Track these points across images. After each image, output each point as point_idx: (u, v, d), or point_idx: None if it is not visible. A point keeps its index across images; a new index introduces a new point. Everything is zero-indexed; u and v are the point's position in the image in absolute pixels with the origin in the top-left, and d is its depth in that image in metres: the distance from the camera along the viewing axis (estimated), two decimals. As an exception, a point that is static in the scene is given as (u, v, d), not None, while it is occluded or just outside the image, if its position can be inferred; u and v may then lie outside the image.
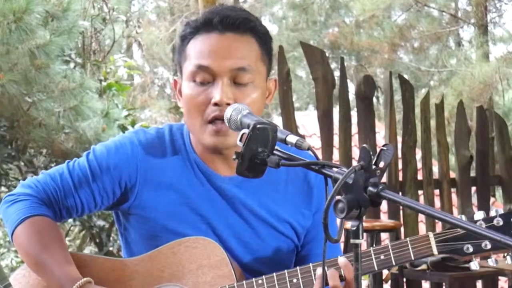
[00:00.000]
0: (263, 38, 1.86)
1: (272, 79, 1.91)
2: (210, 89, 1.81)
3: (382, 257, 1.78)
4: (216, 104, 1.79)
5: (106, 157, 1.87)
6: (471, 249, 1.76)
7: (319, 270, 1.77)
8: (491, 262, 1.77)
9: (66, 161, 1.91)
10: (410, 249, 1.77)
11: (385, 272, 5.08)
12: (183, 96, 1.86)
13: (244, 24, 1.83)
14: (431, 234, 1.78)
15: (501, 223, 1.75)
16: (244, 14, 1.85)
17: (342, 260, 1.77)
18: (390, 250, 1.78)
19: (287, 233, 1.92)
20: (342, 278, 1.77)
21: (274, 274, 1.80)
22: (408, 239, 1.79)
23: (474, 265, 1.78)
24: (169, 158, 1.89)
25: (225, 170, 1.88)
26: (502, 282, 6.34)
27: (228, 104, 1.76)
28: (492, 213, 1.77)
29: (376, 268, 1.79)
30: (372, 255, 1.78)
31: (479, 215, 1.77)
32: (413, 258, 1.78)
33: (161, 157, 1.88)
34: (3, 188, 4.83)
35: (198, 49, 1.83)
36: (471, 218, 1.79)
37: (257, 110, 1.80)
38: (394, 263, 1.78)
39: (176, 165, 1.88)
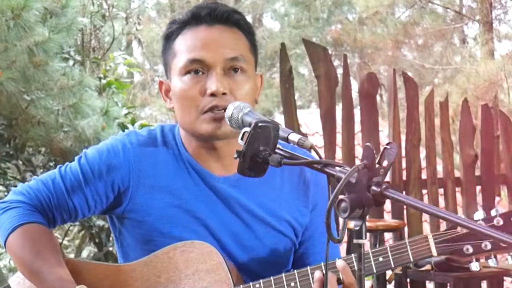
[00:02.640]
0: (249, 32, 1.87)
1: (259, 74, 1.90)
2: (204, 80, 1.79)
3: (380, 259, 1.76)
4: (212, 95, 1.76)
5: (98, 161, 1.85)
6: (471, 250, 1.75)
7: (317, 274, 1.74)
8: (491, 262, 1.76)
9: (58, 166, 1.89)
10: (409, 250, 1.76)
11: (389, 273, 5.04)
12: (175, 91, 1.83)
13: (232, 17, 1.84)
14: (430, 235, 1.77)
15: (501, 222, 1.74)
16: (230, 8, 1.87)
17: (340, 263, 1.75)
18: (389, 252, 1.76)
19: (286, 232, 1.89)
20: (340, 282, 1.75)
21: (272, 278, 1.77)
22: (407, 240, 1.77)
23: (475, 266, 1.77)
24: (162, 159, 1.85)
25: (219, 170, 1.85)
26: (508, 283, 6.29)
27: (224, 94, 1.76)
28: (492, 213, 1.76)
29: (374, 270, 1.77)
30: (371, 257, 1.76)
31: (478, 215, 1.76)
32: (412, 260, 1.76)
33: (154, 159, 1.85)
34: (1, 187, 4.79)
35: (189, 43, 1.81)
36: (471, 218, 1.77)
37: (250, 103, 1.78)
38: (393, 265, 1.76)
39: (170, 167, 1.85)
